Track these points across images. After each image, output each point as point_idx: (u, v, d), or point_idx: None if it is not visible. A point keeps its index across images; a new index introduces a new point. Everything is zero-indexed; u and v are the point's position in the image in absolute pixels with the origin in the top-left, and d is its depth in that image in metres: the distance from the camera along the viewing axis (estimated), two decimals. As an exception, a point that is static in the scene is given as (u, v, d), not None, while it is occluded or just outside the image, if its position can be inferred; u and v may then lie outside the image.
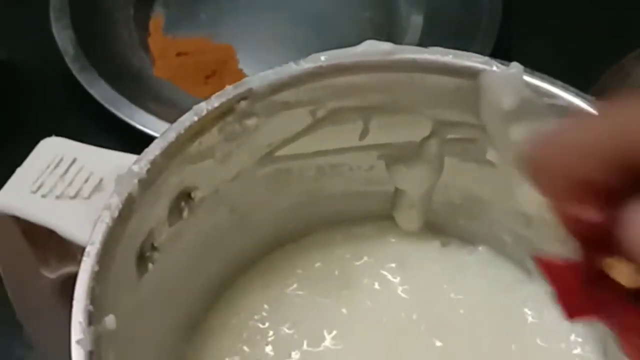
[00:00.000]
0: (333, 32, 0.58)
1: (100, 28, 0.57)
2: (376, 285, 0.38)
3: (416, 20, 0.58)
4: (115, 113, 0.52)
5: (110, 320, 0.28)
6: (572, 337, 0.36)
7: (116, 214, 0.29)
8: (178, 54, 0.58)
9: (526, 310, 0.37)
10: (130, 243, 0.30)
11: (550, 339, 0.36)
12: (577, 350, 0.36)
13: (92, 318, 0.27)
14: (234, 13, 0.59)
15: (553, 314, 0.37)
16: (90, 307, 0.27)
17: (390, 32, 0.58)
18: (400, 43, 0.53)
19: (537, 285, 0.38)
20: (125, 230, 0.30)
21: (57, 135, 0.35)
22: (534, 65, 0.50)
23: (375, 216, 0.40)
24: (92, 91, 0.52)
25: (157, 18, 0.59)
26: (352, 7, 0.59)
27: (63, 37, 0.54)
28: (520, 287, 0.38)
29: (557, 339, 0.36)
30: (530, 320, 0.37)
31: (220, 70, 0.58)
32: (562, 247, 0.36)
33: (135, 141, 0.33)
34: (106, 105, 0.52)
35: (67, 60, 0.53)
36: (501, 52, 0.53)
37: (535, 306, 0.37)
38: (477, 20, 0.55)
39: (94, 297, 0.28)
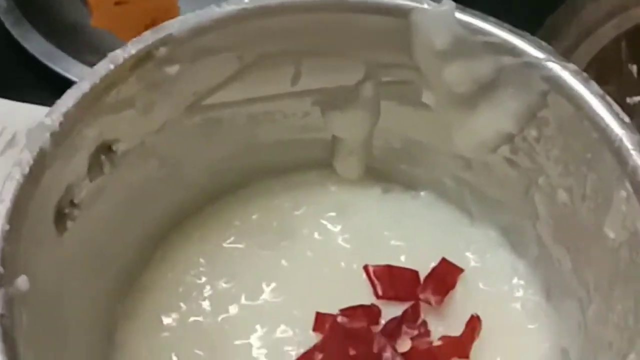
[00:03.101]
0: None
1: (34, -22, 0.54)
2: (316, 235, 0.37)
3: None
4: (52, 67, 0.50)
5: (22, 281, 0.27)
6: (515, 280, 0.36)
7: (27, 170, 0.28)
8: (116, 3, 0.56)
9: (468, 254, 0.36)
10: (44, 200, 0.29)
11: (493, 283, 0.36)
12: (520, 293, 0.35)
13: (2, 280, 0.26)
14: (176, -41, 0.57)
15: (495, 257, 0.36)
16: (0, 269, 0.26)
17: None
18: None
19: (479, 228, 0.37)
20: (38, 187, 0.28)
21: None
22: (483, 6, 0.48)
23: (314, 164, 0.39)
24: (26, 45, 0.50)
25: (94, -34, 0.56)
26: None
27: (-6, -11, 0.52)
28: (462, 230, 0.37)
29: (500, 282, 0.36)
30: (473, 264, 0.36)
31: (162, 19, 0.55)
32: (501, 189, 0.35)
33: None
34: (41, 59, 0.50)
35: (0, 13, 0.51)
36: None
37: (478, 249, 0.37)
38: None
39: (4, 257, 0.26)
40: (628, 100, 0.49)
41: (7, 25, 0.51)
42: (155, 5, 0.56)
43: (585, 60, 0.49)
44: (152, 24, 0.56)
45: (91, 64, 0.49)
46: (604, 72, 0.49)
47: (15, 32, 0.51)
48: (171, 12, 0.56)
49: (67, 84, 0.48)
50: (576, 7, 0.51)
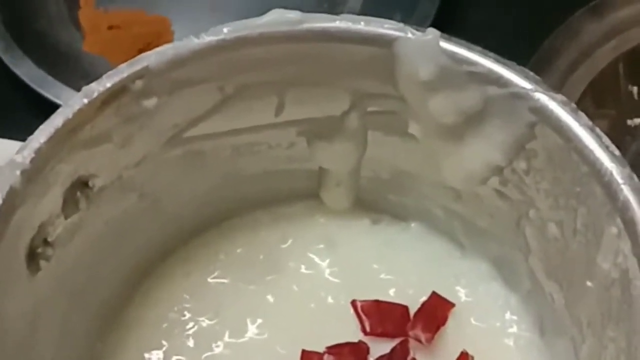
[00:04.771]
0: (275, 2, 0.55)
1: (27, 3, 0.54)
2: (303, 269, 0.36)
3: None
4: (43, 93, 0.49)
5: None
6: (508, 315, 0.35)
7: (-4, 210, 0.27)
8: (110, 28, 0.55)
9: (459, 288, 0.35)
10: (15, 240, 0.28)
11: (485, 318, 0.35)
12: (513, 329, 0.34)
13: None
14: (169, -17, 0.56)
15: (487, 291, 0.35)
16: (-35, 313, 0.25)
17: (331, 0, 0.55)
18: (342, 11, 0.51)
19: (470, 261, 0.36)
20: (8, 227, 0.27)
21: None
22: (480, 27, 0.47)
23: (302, 195, 0.38)
24: (17, 71, 0.50)
25: (88, -9, 0.56)
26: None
27: (-15, 15, 0.51)
28: (453, 263, 0.36)
29: (492, 317, 0.35)
30: (464, 298, 0.35)
31: (155, 43, 0.54)
32: (491, 221, 0.34)
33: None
34: (32, 85, 0.50)
35: (-10, 39, 0.51)
36: (445, 15, 0.50)
37: (469, 283, 0.35)
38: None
39: (-29, 302, 0.25)
40: (629, 122, 0.48)
41: (-1, 51, 0.50)
42: (148, 30, 0.55)
43: (585, 82, 0.48)
44: (145, 48, 0.56)
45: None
46: (603, 94, 0.48)
47: (6, 58, 0.50)
48: (164, 37, 0.55)
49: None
50: (574, 29, 0.50)
